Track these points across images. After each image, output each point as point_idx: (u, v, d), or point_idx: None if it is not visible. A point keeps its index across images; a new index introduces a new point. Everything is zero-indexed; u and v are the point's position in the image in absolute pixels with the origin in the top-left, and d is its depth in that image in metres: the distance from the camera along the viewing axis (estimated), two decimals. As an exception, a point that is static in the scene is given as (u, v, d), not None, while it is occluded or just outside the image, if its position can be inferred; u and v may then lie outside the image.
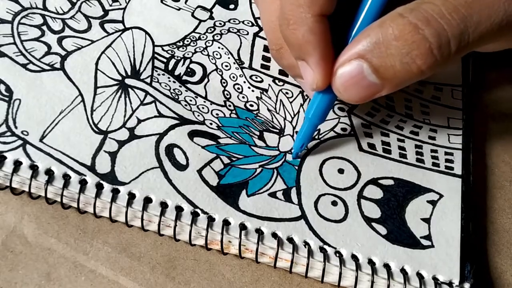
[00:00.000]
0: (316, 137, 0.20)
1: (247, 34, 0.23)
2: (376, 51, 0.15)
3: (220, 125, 0.20)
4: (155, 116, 0.19)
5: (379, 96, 0.16)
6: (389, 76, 0.15)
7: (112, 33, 0.21)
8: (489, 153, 0.22)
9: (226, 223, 0.17)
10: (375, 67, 0.15)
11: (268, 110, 0.21)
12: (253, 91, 0.21)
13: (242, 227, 0.17)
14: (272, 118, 0.20)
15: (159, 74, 0.20)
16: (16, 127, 0.17)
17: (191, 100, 0.20)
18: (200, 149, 0.19)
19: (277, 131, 0.20)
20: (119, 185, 0.17)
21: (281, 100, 0.21)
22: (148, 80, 0.20)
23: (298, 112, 0.21)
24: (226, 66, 0.21)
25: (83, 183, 0.17)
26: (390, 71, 0.15)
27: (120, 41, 0.20)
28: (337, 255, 0.17)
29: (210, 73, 0.21)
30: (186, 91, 0.20)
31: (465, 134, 0.22)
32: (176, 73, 0.21)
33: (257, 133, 0.20)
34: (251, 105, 0.21)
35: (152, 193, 0.17)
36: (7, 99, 0.18)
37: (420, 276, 0.17)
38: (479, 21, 0.14)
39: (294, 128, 0.20)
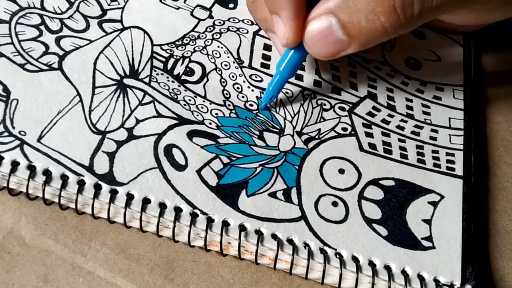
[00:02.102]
0: (317, 136, 0.20)
1: (247, 33, 0.22)
2: (344, 7, 0.16)
3: (219, 124, 0.19)
4: (154, 116, 0.19)
5: (345, 54, 0.17)
6: (355, 32, 0.16)
7: (111, 33, 0.20)
8: (491, 154, 0.22)
9: (225, 224, 0.17)
10: (343, 23, 0.16)
11: (268, 109, 0.20)
12: (252, 90, 0.21)
13: (242, 228, 0.17)
14: (272, 118, 0.20)
15: (157, 74, 0.20)
16: (13, 127, 0.17)
17: (190, 100, 0.20)
18: (199, 149, 0.18)
19: (277, 130, 0.20)
20: (118, 186, 0.17)
21: (281, 100, 0.21)
22: (146, 80, 0.20)
23: (298, 111, 0.21)
24: (226, 65, 0.21)
25: (81, 183, 0.17)
26: (356, 27, 0.16)
27: (118, 40, 0.20)
28: (338, 256, 0.17)
29: (209, 72, 0.21)
30: (185, 90, 0.20)
31: (466, 135, 0.21)
32: (175, 72, 0.20)
33: (257, 132, 0.20)
34: (251, 105, 0.20)
35: (151, 193, 0.17)
36: (4, 99, 0.18)
37: (421, 277, 0.17)
38: None
39: (294, 127, 0.20)
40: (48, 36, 0.20)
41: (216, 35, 0.22)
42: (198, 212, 0.17)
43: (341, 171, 0.19)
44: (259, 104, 0.20)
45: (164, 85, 0.20)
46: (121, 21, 0.21)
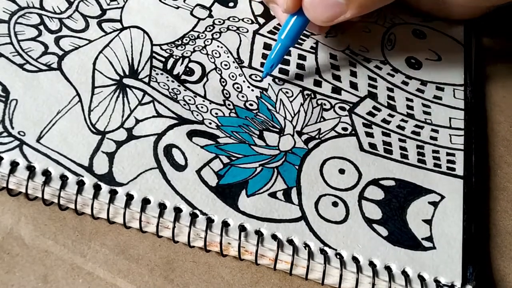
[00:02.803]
0: (317, 136, 0.20)
1: (247, 32, 0.22)
2: None
3: (219, 124, 0.19)
4: (154, 116, 0.19)
5: (344, 18, 0.17)
6: None
7: (110, 33, 0.20)
8: (492, 154, 0.22)
9: (225, 224, 0.17)
10: None
11: (268, 109, 0.20)
12: (252, 90, 0.21)
13: (242, 228, 0.17)
14: (272, 117, 0.20)
15: (157, 74, 0.20)
16: (12, 128, 0.17)
17: (190, 100, 0.20)
18: (199, 149, 0.18)
19: (277, 130, 0.20)
20: (117, 186, 0.17)
21: (281, 100, 0.21)
22: (146, 80, 0.20)
23: (299, 111, 0.21)
24: (226, 65, 0.21)
25: (80, 184, 0.17)
26: None
27: (118, 40, 0.20)
28: (338, 256, 0.17)
29: (209, 72, 0.21)
30: (185, 90, 0.20)
31: (467, 135, 0.21)
32: (175, 72, 0.20)
33: (257, 132, 0.20)
34: (251, 104, 0.20)
35: (151, 194, 0.17)
36: (3, 99, 0.18)
37: (421, 278, 0.17)
38: None
39: (294, 127, 0.20)
40: (47, 36, 0.20)
41: (216, 34, 0.22)
42: (198, 212, 0.17)
43: (342, 171, 0.19)
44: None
45: (164, 85, 0.20)
46: (120, 21, 0.21)
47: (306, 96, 0.21)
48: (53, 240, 0.16)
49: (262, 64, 0.22)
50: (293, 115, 0.20)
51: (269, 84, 0.21)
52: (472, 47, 0.25)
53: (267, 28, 0.23)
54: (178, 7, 0.22)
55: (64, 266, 0.16)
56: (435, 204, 0.19)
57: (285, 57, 0.22)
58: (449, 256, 0.18)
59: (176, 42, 0.21)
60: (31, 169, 0.16)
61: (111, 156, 0.17)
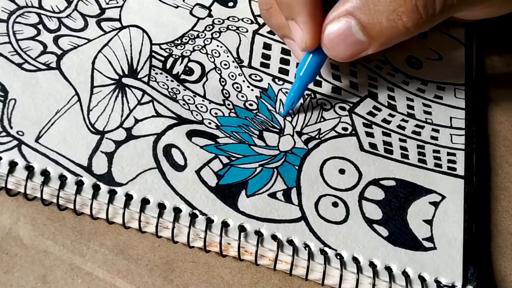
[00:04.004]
0: (317, 136, 0.20)
1: (247, 31, 0.22)
2: (364, 8, 0.16)
3: (219, 124, 0.19)
4: (153, 116, 0.19)
5: (365, 54, 0.17)
6: (376, 33, 0.16)
7: (109, 32, 0.20)
8: (493, 154, 0.22)
9: (225, 224, 0.17)
10: (363, 24, 0.16)
11: (268, 109, 0.20)
12: (252, 90, 0.21)
13: (241, 228, 0.17)
14: (272, 118, 0.20)
15: (156, 73, 0.20)
16: (11, 127, 0.17)
17: (189, 99, 0.20)
18: (199, 149, 0.18)
19: (277, 130, 0.20)
20: (116, 186, 0.17)
21: (280, 100, 0.21)
22: (145, 79, 0.20)
23: (298, 111, 0.21)
24: (225, 64, 0.21)
25: (79, 184, 0.17)
26: (377, 27, 0.16)
27: (117, 39, 0.20)
28: (338, 257, 0.17)
29: (208, 71, 0.21)
30: (184, 90, 0.20)
31: (468, 134, 0.21)
32: (174, 72, 0.20)
33: (257, 132, 0.19)
34: (251, 104, 0.20)
35: (150, 194, 0.17)
36: (2, 99, 0.18)
37: (422, 278, 0.17)
38: None
39: (294, 127, 0.20)
40: (46, 35, 0.19)
41: (216, 34, 0.22)
42: (197, 212, 0.17)
43: (342, 171, 0.19)
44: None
45: (163, 85, 0.20)
46: (119, 20, 0.21)
47: (306, 96, 0.21)
48: (52, 240, 0.16)
49: (262, 64, 0.22)
50: (293, 115, 0.20)
51: (268, 84, 0.21)
52: (473, 46, 0.25)
53: (267, 28, 0.23)
54: (177, 6, 0.22)
55: (63, 266, 0.16)
56: (435, 204, 0.19)
57: (285, 57, 0.22)
58: (449, 256, 0.18)
59: (176, 42, 0.21)
60: (29, 169, 0.16)
61: (110, 156, 0.17)
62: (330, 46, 0.17)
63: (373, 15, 0.16)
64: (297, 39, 0.18)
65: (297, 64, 0.22)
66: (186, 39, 0.21)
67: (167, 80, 0.20)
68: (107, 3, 0.21)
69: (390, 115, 0.21)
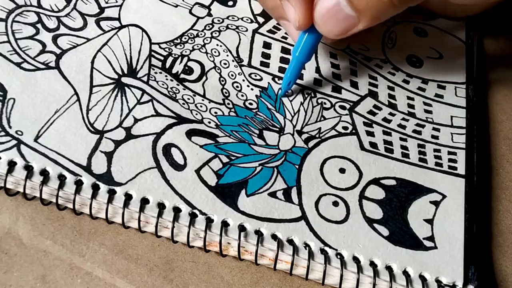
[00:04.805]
0: (317, 135, 0.20)
1: (246, 31, 0.22)
2: None
3: (218, 123, 0.19)
4: (152, 115, 0.19)
5: (357, 30, 0.17)
6: (362, 7, 0.16)
7: (108, 31, 0.20)
8: (494, 153, 0.22)
9: (225, 224, 0.17)
10: None
11: (268, 108, 0.20)
12: (252, 89, 0.21)
13: (241, 228, 0.17)
14: (272, 117, 0.20)
15: (156, 73, 0.20)
16: (10, 127, 0.17)
17: (189, 99, 0.20)
18: (198, 149, 0.18)
19: (277, 129, 0.20)
20: (116, 186, 0.17)
21: (280, 99, 0.21)
22: (145, 79, 0.20)
23: (299, 110, 0.20)
24: (225, 64, 0.21)
25: (78, 183, 0.16)
26: (363, 1, 0.16)
27: (116, 39, 0.20)
28: (338, 257, 0.17)
29: (208, 71, 0.21)
30: (184, 89, 0.20)
31: (468, 133, 0.21)
32: (174, 71, 0.20)
33: (257, 131, 0.19)
34: (250, 104, 0.20)
35: (149, 194, 0.17)
36: (1, 98, 0.18)
37: (422, 278, 0.17)
38: None
39: (294, 126, 0.20)
40: (45, 35, 0.19)
41: (215, 33, 0.22)
42: (197, 212, 0.17)
43: (342, 171, 0.19)
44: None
45: (163, 84, 0.20)
46: (119, 19, 0.21)
47: (306, 95, 0.21)
48: (51, 240, 0.16)
49: (261, 63, 0.21)
50: (293, 114, 0.20)
51: (268, 83, 0.21)
52: (474, 45, 0.25)
53: (267, 27, 0.23)
54: (177, 6, 0.22)
55: (62, 266, 0.16)
56: (436, 204, 0.19)
57: (285, 56, 0.22)
58: (450, 256, 0.18)
59: (175, 41, 0.21)
60: (29, 168, 0.16)
61: (109, 155, 0.17)
62: (321, 23, 0.17)
63: None
64: (291, 18, 0.18)
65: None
66: (185, 38, 0.21)
67: (167, 79, 0.20)
68: (106, 2, 0.21)
69: (390, 114, 0.21)
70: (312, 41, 0.19)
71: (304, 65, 0.20)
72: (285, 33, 0.23)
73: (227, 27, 0.22)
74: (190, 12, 0.22)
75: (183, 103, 0.19)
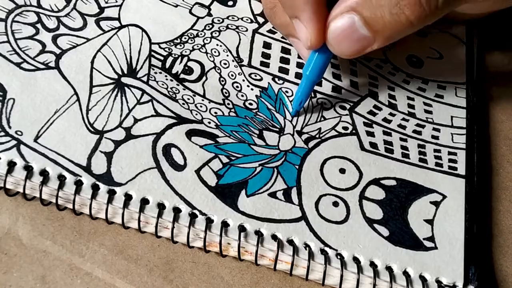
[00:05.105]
0: (317, 136, 0.20)
1: (246, 30, 0.22)
2: (366, 3, 0.16)
3: (218, 124, 0.19)
4: (152, 116, 0.19)
5: (370, 50, 0.17)
6: (380, 27, 0.16)
7: (108, 31, 0.20)
8: (494, 153, 0.22)
9: (225, 224, 0.17)
10: (366, 19, 0.16)
11: (268, 108, 0.20)
12: (252, 89, 0.21)
13: (241, 228, 0.17)
14: (272, 117, 0.20)
15: (156, 73, 0.20)
16: (10, 127, 0.17)
17: (189, 99, 0.20)
18: (198, 149, 0.18)
19: (277, 129, 0.20)
20: (115, 186, 0.17)
21: (280, 99, 0.21)
22: (144, 79, 0.20)
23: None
24: (225, 64, 0.21)
25: (78, 184, 0.16)
26: (380, 22, 0.16)
27: (116, 39, 0.20)
28: (338, 257, 0.17)
29: (208, 71, 0.21)
30: (184, 89, 0.20)
31: (469, 134, 0.21)
32: (174, 71, 0.20)
33: (257, 131, 0.19)
34: (250, 104, 0.20)
35: (149, 194, 0.17)
36: (1, 98, 0.17)
37: (423, 278, 0.17)
38: None
39: (294, 127, 0.20)
40: (44, 35, 0.19)
41: (215, 33, 0.22)
42: (197, 212, 0.17)
43: (342, 171, 0.19)
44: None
45: (163, 84, 0.20)
46: (118, 19, 0.21)
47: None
48: (51, 240, 0.16)
49: (261, 63, 0.21)
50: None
51: (268, 83, 0.21)
52: (474, 45, 0.25)
53: (267, 27, 0.23)
54: (177, 5, 0.22)
55: (62, 267, 0.16)
56: (436, 204, 0.19)
57: (285, 56, 0.22)
58: (451, 256, 0.18)
59: (175, 41, 0.21)
60: (28, 169, 0.16)
61: (109, 155, 0.17)
62: (335, 43, 0.17)
63: (375, 9, 0.16)
64: (302, 38, 0.18)
65: (298, 63, 0.22)
66: (185, 38, 0.21)
67: (167, 79, 0.20)
68: (106, 2, 0.21)
69: (390, 114, 0.21)
70: (323, 60, 0.18)
71: (315, 84, 0.20)
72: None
73: (227, 27, 0.22)
74: (190, 12, 0.22)
75: (183, 103, 0.19)
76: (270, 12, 0.20)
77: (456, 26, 0.25)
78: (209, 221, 0.17)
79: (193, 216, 0.17)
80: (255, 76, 0.21)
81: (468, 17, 0.25)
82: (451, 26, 0.25)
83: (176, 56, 0.21)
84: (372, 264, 0.17)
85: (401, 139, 0.21)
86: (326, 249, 0.17)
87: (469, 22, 0.25)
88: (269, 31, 0.23)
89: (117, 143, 0.18)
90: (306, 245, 0.17)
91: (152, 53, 0.20)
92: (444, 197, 0.19)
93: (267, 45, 0.22)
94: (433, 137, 0.21)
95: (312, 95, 0.21)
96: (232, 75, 0.21)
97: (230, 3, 0.23)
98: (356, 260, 0.17)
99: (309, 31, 0.17)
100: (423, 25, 0.16)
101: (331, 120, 0.20)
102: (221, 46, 0.21)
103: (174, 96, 0.19)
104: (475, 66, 0.24)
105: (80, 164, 0.17)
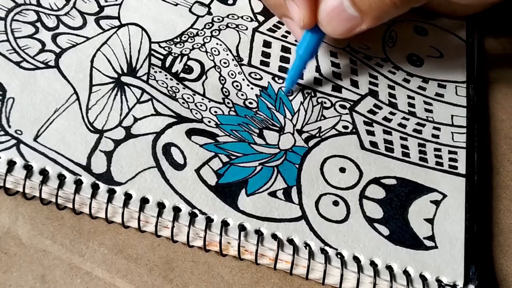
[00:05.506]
0: (317, 135, 0.20)
1: (246, 29, 0.22)
2: None
3: (218, 123, 0.19)
4: (152, 115, 0.19)
5: (360, 30, 0.17)
6: (366, 8, 0.16)
7: (108, 30, 0.20)
8: (494, 152, 0.22)
9: (225, 224, 0.17)
10: None
11: (268, 107, 0.20)
12: (252, 88, 0.21)
13: (241, 228, 0.17)
14: (272, 116, 0.20)
15: (156, 72, 0.20)
16: (9, 126, 0.17)
17: (188, 98, 0.20)
18: (198, 148, 0.18)
19: (277, 129, 0.20)
20: (115, 185, 0.17)
21: (280, 98, 0.21)
22: (144, 78, 0.19)
23: (299, 110, 0.20)
24: (225, 63, 0.21)
25: (78, 183, 0.16)
26: (366, 2, 0.16)
27: (116, 37, 0.20)
28: (339, 256, 0.17)
29: (208, 70, 0.21)
30: (184, 88, 0.20)
31: (469, 133, 0.21)
32: (174, 70, 0.20)
33: (257, 131, 0.19)
34: (250, 103, 0.20)
35: (149, 193, 0.17)
36: (0, 97, 0.17)
37: (423, 278, 0.17)
38: None
39: (294, 126, 0.20)
40: (44, 33, 0.19)
41: (215, 32, 0.22)
42: (197, 212, 0.17)
43: (342, 170, 0.19)
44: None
45: (162, 83, 0.20)
46: (118, 18, 0.21)
47: (306, 95, 0.21)
48: (51, 240, 0.16)
49: (262, 62, 0.21)
50: (293, 114, 0.20)
51: (268, 82, 0.21)
52: (475, 43, 0.25)
53: (267, 26, 0.23)
54: (176, 4, 0.22)
55: (62, 266, 0.16)
56: (437, 203, 0.19)
57: (285, 55, 0.22)
58: (451, 255, 0.18)
59: (175, 40, 0.21)
60: (28, 168, 0.16)
61: (109, 155, 0.17)
62: (325, 22, 0.17)
63: None
64: (295, 18, 0.18)
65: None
66: (185, 37, 0.21)
67: (166, 78, 0.20)
68: (106, 1, 0.21)
69: (391, 113, 0.21)
70: (316, 40, 0.19)
71: (307, 64, 0.20)
72: (286, 32, 0.23)
73: (227, 26, 0.22)
74: (190, 11, 0.22)
75: (183, 102, 0.19)
76: None
77: (457, 24, 0.25)
78: (209, 221, 0.17)
79: (193, 216, 0.17)
80: (255, 75, 0.21)
81: (466, 11, 0.24)
82: (451, 25, 0.25)
83: (176, 55, 0.21)
84: (372, 263, 0.17)
85: (401, 138, 0.21)
86: (326, 248, 0.17)
87: (469, 20, 0.25)
88: (269, 29, 0.23)
89: (117, 142, 0.18)
90: (306, 244, 0.17)
91: (152, 52, 0.20)
92: (445, 196, 0.19)
93: (267, 44, 0.22)
94: (433, 136, 0.21)
95: (312, 94, 0.21)
96: (232, 74, 0.21)
97: (230, 1, 0.23)
98: (356, 259, 0.17)
99: (302, 11, 0.17)
100: (408, 6, 0.16)
101: (331, 119, 0.20)
102: (221, 45, 0.21)
103: (174, 95, 0.19)
104: (476, 64, 0.24)
105: (80, 163, 0.17)
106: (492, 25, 0.25)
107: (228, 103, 0.20)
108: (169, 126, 0.18)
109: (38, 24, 0.20)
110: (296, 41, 0.22)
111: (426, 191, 0.19)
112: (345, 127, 0.20)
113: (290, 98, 0.21)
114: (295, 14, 0.18)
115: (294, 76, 0.20)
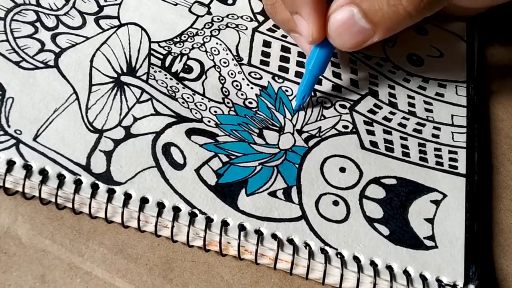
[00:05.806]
0: (317, 134, 0.20)
1: (246, 29, 0.22)
2: None
3: (218, 122, 0.19)
4: (152, 114, 0.19)
5: (371, 42, 0.17)
6: (378, 19, 0.16)
7: (107, 30, 0.20)
8: (494, 152, 0.22)
9: (224, 223, 0.17)
10: (365, 11, 0.16)
11: (268, 107, 0.20)
12: (252, 88, 0.21)
13: (241, 228, 0.17)
14: (272, 116, 0.20)
15: (155, 71, 0.20)
16: (9, 126, 0.17)
17: (188, 98, 0.20)
18: (198, 148, 0.18)
19: (277, 128, 0.20)
20: (115, 185, 0.17)
21: (280, 98, 0.21)
22: (144, 78, 0.19)
23: (298, 109, 0.20)
24: (225, 62, 0.21)
25: (78, 183, 0.16)
26: (379, 14, 0.16)
27: (115, 37, 0.20)
28: (339, 256, 0.17)
29: (208, 69, 0.21)
30: (183, 88, 0.20)
31: (469, 132, 0.21)
32: (173, 70, 0.20)
33: (257, 130, 0.19)
34: (250, 102, 0.20)
35: (149, 193, 0.17)
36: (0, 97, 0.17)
37: (423, 277, 0.17)
38: None
39: (294, 125, 0.20)
40: (44, 33, 0.19)
41: (215, 31, 0.22)
42: (197, 211, 0.17)
43: (342, 170, 0.19)
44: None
45: (162, 83, 0.20)
46: (118, 17, 0.21)
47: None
48: (50, 240, 0.16)
49: (261, 62, 0.21)
50: (292, 114, 0.20)
51: (268, 82, 0.21)
52: (475, 43, 0.25)
53: (266, 26, 0.23)
54: (176, 4, 0.22)
55: (61, 266, 0.16)
56: (437, 203, 0.19)
57: (285, 55, 0.22)
58: (451, 255, 0.18)
59: (175, 39, 0.21)
60: (28, 168, 0.16)
61: (108, 154, 0.17)
62: (335, 36, 0.17)
63: (373, 1, 0.16)
64: (303, 33, 0.18)
65: (298, 62, 0.22)
66: (185, 36, 0.21)
67: (166, 78, 0.20)
68: (106, 1, 0.21)
69: (391, 113, 0.21)
70: (325, 54, 0.18)
71: (317, 78, 0.20)
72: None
73: (227, 26, 0.22)
74: (190, 11, 0.22)
75: (183, 102, 0.19)
76: (271, 8, 0.20)
77: (457, 23, 0.25)
78: (209, 220, 0.17)
79: (192, 215, 0.17)
80: (255, 74, 0.21)
81: (468, 12, 0.24)
82: (451, 24, 0.25)
83: (176, 54, 0.21)
84: (373, 263, 0.17)
85: (401, 137, 0.21)
86: (326, 248, 0.17)
87: (469, 19, 0.25)
88: (269, 29, 0.23)
89: (117, 142, 0.18)
90: (306, 244, 0.17)
91: (152, 51, 0.20)
92: (445, 196, 0.19)
93: (267, 44, 0.22)
94: (433, 135, 0.21)
95: (312, 94, 0.21)
96: (231, 74, 0.21)
97: (230, 1, 0.23)
98: (356, 259, 0.17)
99: (310, 25, 0.17)
100: (422, 16, 0.16)
101: (331, 118, 0.20)
102: (220, 44, 0.21)
103: (173, 94, 0.19)
104: (476, 64, 0.24)
105: (79, 163, 0.17)
106: (492, 25, 0.25)
107: (228, 102, 0.20)
108: (169, 125, 0.18)
109: (38, 24, 0.20)
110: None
111: (426, 191, 0.19)
112: (345, 127, 0.20)
113: (290, 98, 0.21)
114: (303, 29, 0.17)
115: (304, 92, 0.19)
